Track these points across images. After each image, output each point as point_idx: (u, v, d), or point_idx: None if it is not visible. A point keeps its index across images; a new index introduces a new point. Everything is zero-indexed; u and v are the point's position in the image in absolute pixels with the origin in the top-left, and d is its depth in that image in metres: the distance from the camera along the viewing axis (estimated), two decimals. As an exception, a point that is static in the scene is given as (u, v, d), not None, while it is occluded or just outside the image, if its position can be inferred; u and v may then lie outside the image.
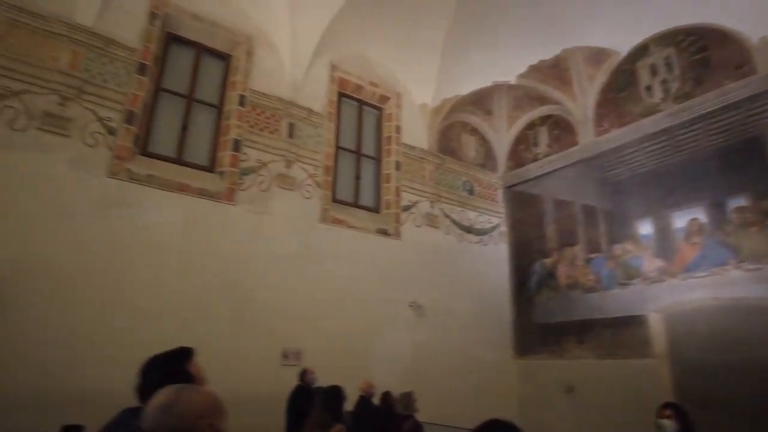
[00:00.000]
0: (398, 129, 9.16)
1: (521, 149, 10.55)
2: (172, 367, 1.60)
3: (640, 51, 8.57)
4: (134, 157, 6.43)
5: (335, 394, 3.67)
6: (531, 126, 10.44)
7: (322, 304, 7.29)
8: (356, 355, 7.29)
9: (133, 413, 1.51)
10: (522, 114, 10.49)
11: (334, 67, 8.61)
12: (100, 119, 6.24)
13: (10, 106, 5.70)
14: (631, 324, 7.83)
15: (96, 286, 5.73)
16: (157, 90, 7.01)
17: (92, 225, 5.88)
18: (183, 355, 1.67)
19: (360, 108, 9.14)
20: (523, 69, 9.38)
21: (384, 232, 8.39)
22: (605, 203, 8.70)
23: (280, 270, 7.05)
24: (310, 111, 8.08)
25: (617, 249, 8.38)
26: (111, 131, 6.27)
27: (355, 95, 9.03)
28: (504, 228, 10.26)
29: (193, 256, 6.45)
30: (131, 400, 1.61)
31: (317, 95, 8.27)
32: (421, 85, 9.37)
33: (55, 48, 6.12)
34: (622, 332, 7.95)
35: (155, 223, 6.28)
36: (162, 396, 1.18)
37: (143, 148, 6.66)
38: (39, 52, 5.99)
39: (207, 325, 6.21)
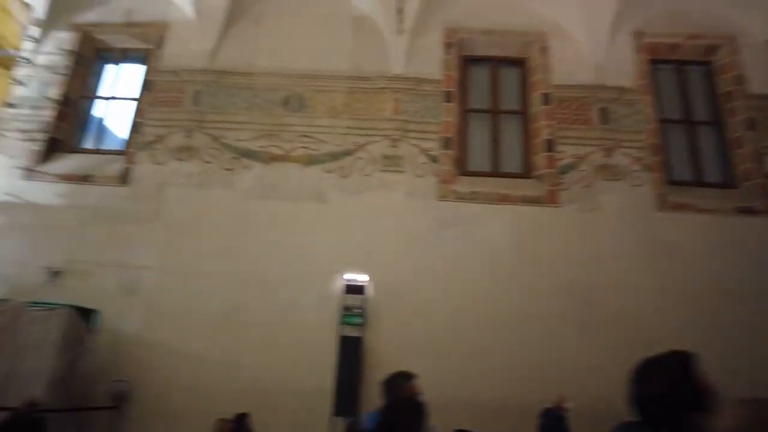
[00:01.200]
0: (740, 79, 7.26)
1: None
2: (677, 374, 1.31)
3: None
4: (457, 179, 6.89)
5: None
6: None
7: (680, 302, 6.15)
8: (746, 360, 5.85)
9: (628, 429, 1.29)
10: None
11: (638, 35, 7.51)
12: (423, 151, 6.95)
13: (360, 158, 6.91)
14: None
15: (442, 301, 6.23)
16: (464, 112, 7.41)
17: (431, 245, 6.51)
18: (688, 359, 1.35)
19: (679, 69, 7.68)
20: None
21: (747, 210, 6.67)
22: None
23: (622, 268, 6.32)
24: (620, 89, 7.20)
25: None
26: (434, 159, 6.92)
27: (670, 57, 7.65)
28: None
29: (527, 263, 6.40)
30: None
31: (625, 70, 7.31)
32: (765, 17, 7.30)
33: (381, 100, 7.20)
34: None
35: (486, 235, 6.53)
36: (746, 417, 0.90)
37: (462, 168, 7.08)
38: (371, 107, 7.18)
39: (551, 334, 6.02)
